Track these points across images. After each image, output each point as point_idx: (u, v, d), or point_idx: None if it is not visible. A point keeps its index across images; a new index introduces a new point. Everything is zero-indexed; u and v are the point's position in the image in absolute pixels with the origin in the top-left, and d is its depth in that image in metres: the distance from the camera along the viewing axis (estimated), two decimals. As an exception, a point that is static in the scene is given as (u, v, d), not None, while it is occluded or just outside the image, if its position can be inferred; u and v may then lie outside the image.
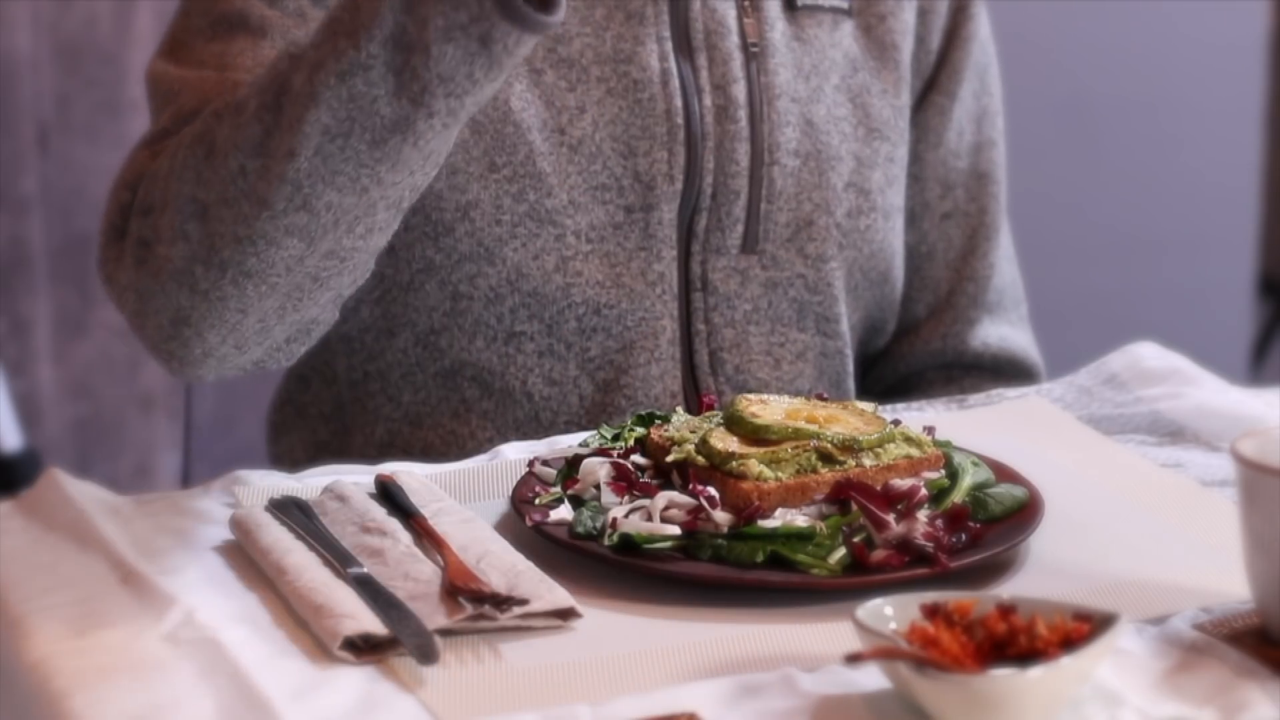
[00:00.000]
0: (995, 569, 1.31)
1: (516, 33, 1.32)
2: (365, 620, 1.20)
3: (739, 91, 1.63)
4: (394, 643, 1.19)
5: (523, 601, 1.22)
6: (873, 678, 1.17)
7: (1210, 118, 3.50)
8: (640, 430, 1.43)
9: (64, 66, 3.09)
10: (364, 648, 1.20)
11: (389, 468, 1.46)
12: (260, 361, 1.51)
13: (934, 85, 1.76)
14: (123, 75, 3.11)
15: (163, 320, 1.47)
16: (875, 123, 1.70)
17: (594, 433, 1.46)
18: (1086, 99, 3.43)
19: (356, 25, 1.35)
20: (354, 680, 1.17)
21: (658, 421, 1.44)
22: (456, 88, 1.35)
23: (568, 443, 1.49)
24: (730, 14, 1.65)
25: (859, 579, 1.27)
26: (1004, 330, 1.79)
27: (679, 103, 1.61)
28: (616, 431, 1.45)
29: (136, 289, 1.47)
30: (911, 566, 1.28)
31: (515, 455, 1.50)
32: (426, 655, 1.16)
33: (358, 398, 1.66)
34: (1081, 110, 3.43)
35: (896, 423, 1.39)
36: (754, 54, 1.65)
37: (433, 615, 1.22)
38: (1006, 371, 1.78)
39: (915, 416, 1.58)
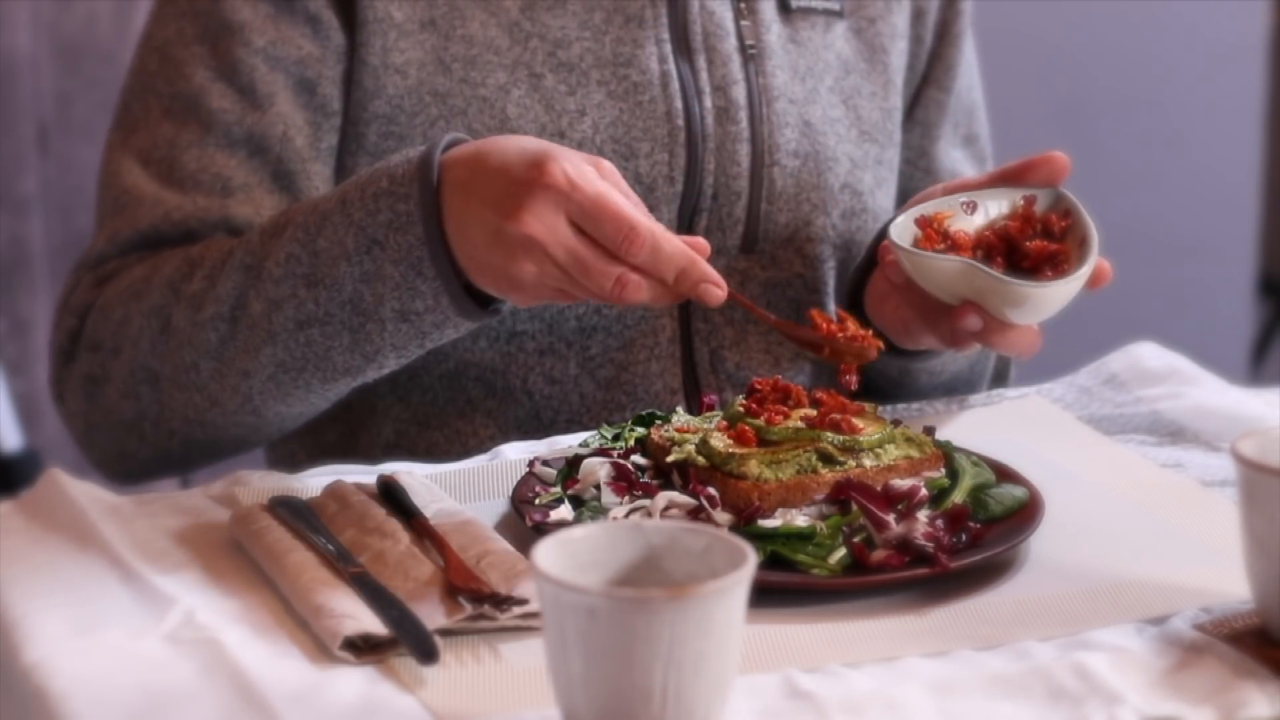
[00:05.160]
0: (995, 569, 1.31)
1: (467, 324, 1.43)
2: (365, 620, 1.20)
3: (739, 93, 1.63)
4: (394, 643, 1.19)
5: (523, 601, 1.22)
6: (873, 678, 1.17)
7: (1210, 117, 3.50)
8: (641, 430, 1.43)
9: (64, 66, 3.09)
10: (364, 648, 1.20)
11: (389, 468, 1.46)
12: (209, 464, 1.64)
13: (929, 80, 1.77)
14: (122, 75, 3.10)
15: (109, 449, 1.59)
16: (866, 125, 1.70)
17: (594, 433, 1.46)
18: (1086, 99, 3.43)
19: (316, 278, 1.45)
20: (354, 680, 1.17)
21: (658, 421, 1.44)
22: (408, 353, 1.47)
23: (568, 442, 1.49)
24: (728, 16, 1.65)
25: (859, 579, 1.27)
26: None
27: (679, 105, 1.61)
28: (617, 431, 1.45)
29: (85, 419, 1.59)
30: (911, 566, 1.28)
31: (515, 455, 1.50)
32: (426, 655, 1.16)
33: (366, 399, 1.66)
34: (1081, 110, 3.43)
35: (897, 423, 1.39)
36: (752, 55, 1.65)
37: (433, 615, 1.22)
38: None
39: (915, 417, 1.58)
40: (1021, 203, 1.48)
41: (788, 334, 1.42)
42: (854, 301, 1.62)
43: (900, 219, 1.47)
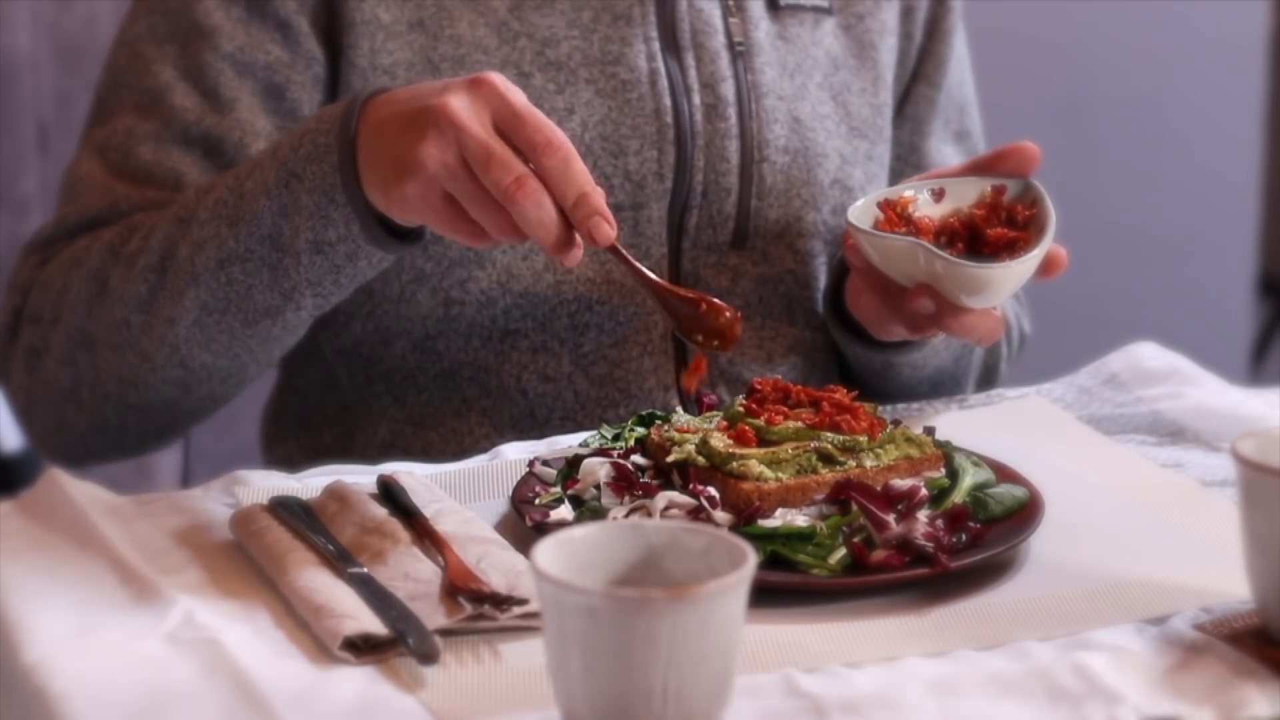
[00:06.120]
0: (995, 569, 1.31)
1: (380, 254, 1.44)
2: (365, 620, 1.20)
3: (728, 90, 1.64)
4: (394, 643, 1.19)
5: (523, 601, 1.22)
6: (873, 678, 1.17)
7: (1210, 117, 3.50)
8: (641, 430, 1.43)
9: (64, 66, 3.09)
10: (364, 648, 1.20)
11: (389, 468, 1.46)
12: (143, 452, 1.65)
13: (919, 77, 1.78)
14: (123, 75, 3.10)
15: (49, 423, 1.60)
16: (855, 121, 1.71)
17: (594, 433, 1.46)
18: (1086, 99, 3.43)
19: (239, 216, 1.46)
20: (354, 680, 1.17)
21: (658, 421, 1.44)
22: (324, 290, 1.47)
23: (568, 442, 1.49)
24: (716, 13, 1.65)
25: (859, 579, 1.27)
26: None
27: (668, 102, 1.62)
28: (617, 431, 1.45)
29: (27, 392, 1.60)
30: (911, 566, 1.28)
31: (515, 455, 1.50)
32: (426, 655, 1.16)
33: (363, 399, 1.66)
34: (1081, 110, 3.43)
35: (897, 423, 1.39)
36: (740, 53, 1.65)
37: (433, 615, 1.22)
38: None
39: (915, 416, 1.58)
40: (990, 191, 1.49)
41: (660, 293, 1.40)
42: (835, 298, 1.63)
43: (862, 202, 1.49)
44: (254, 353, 1.53)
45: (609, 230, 1.34)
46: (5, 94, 3.06)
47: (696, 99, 1.63)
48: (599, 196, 1.34)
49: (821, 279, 1.69)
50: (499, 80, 1.35)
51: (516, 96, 1.35)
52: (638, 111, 1.61)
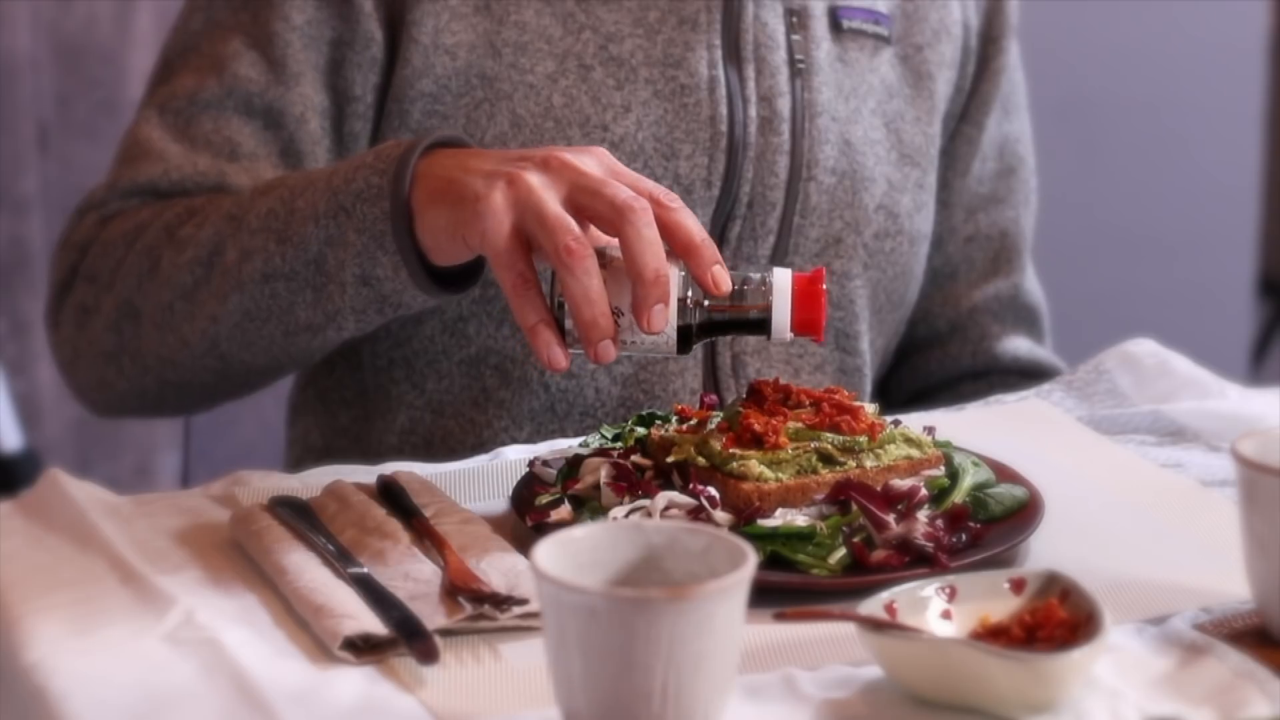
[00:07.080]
0: (995, 569, 1.31)
1: (424, 298, 1.44)
2: (365, 620, 1.20)
3: (784, 105, 1.64)
4: (394, 643, 1.19)
5: (523, 601, 1.22)
6: (873, 677, 1.17)
7: (1210, 118, 3.50)
8: (641, 430, 1.43)
9: (64, 66, 3.09)
10: (364, 648, 1.20)
11: (389, 468, 1.46)
12: (185, 414, 1.70)
13: (964, 116, 1.79)
14: (123, 75, 3.11)
15: (90, 380, 1.62)
16: (907, 149, 1.71)
17: (594, 433, 1.46)
18: (1086, 99, 3.43)
19: (287, 235, 1.46)
20: (354, 680, 1.17)
21: (658, 421, 1.44)
22: (367, 319, 1.47)
23: (568, 443, 1.49)
24: (780, 29, 1.66)
25: (859, 579, 1.27)
26: (1027, 343, 1.83)
27: (724, 110, 1.62)
28: (617, 431, 1.45)
29: (74, 346, 1.62)
30: (911, 566, 1.28)
31: (515, 455, 1.50)
32: (426, 655, 1.16)
33: (381, 385, 1.67)
34: (1081, 110, 3.43)
35: (897, 423, 1.39)
36: (800, 70, 1.66)
37: (433, 615, 1.22)
38: (1035, 375, 1.79)
39: (915, 417, 1.58)
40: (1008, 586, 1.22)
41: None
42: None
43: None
44: (293, 358, 1.54)
45: (726, 283, 1.33)
46: (5, 94, 3.06)
47: (753, 110, 1.63)
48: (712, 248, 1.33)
49: (856, 301, 1.69)
50: (568, 154, 1.34)
51: (589, 170, 1.33)
52: (693, 117, 1.62)
